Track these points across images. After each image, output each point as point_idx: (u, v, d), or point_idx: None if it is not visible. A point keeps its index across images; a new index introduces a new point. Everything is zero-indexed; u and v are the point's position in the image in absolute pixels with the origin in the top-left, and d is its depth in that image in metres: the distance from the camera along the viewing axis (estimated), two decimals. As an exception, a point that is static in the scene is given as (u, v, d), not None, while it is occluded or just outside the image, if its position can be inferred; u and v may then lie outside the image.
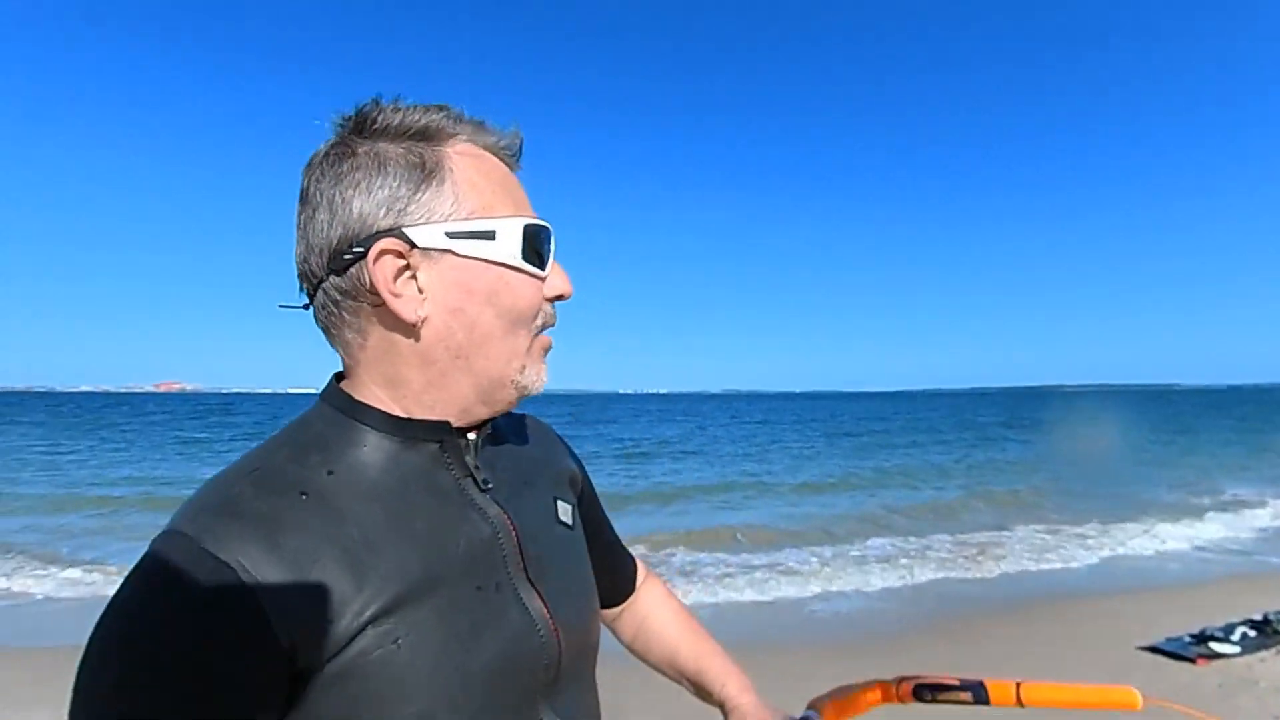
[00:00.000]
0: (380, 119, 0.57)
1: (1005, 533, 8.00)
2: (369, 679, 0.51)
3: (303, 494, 0.53)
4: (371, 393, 0.60)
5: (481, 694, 0.55)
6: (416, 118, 0.58)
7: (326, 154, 0.58)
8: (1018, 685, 0.77)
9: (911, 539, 7.68)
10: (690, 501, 11.10)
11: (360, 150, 0.57)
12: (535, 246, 0.61)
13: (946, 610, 5.31)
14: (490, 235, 0.58)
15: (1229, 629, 4.16)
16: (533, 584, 0.62)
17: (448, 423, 0.60)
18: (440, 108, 0.59)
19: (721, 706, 0.85)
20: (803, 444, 23.47)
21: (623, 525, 0.98)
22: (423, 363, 0.59)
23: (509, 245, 0.58)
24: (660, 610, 0.94)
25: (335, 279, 0.57)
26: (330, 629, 0.49)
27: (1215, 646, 4.00)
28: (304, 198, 0.58)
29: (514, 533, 0.61)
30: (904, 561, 6.59)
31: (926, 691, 0.83)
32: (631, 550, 0.95)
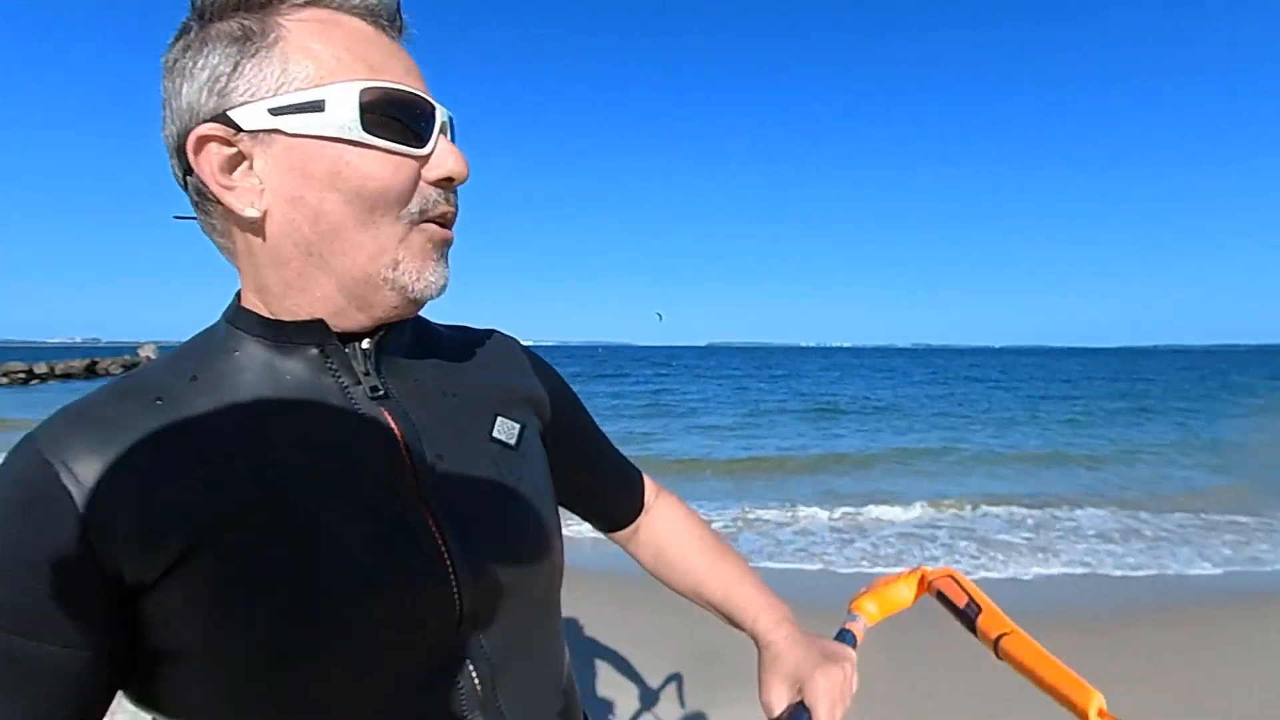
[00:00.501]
0: None
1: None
2: (203, 599, 0.46)
3: (158, 399, 0.49)
4: (248, 298, 0.55)
5: (339, 621, 0.48)
6: None
7: (169, 45, 0.51)
8: (1002, 635, 0.71)
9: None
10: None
11: (190, 32, 0.51)
12: (393, 116, 0.51)
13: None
14: (319, 106, 0.49)
15: None
16: (427, 506, 0.53)
17: (322, 323, 0.53)
18: None
19: (755, 639, 0.78)
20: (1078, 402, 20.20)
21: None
22: (275, 262, 0.52)
23: (341, 114, 0.49)
24: (680, 534, 0.85)
25: (189, 179, 0.52)
26: (160, 541, 0.45)
27: None
28: (161, 98, 0.52)
29: (401, 441, 0.54)
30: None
31: (941, 598, 0.80)
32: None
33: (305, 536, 0.48)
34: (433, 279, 0.55)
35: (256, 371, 0.52)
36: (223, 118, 0.49)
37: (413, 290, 0.54)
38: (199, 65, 0.50)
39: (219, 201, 0.51)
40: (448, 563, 0.52)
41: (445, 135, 0.55)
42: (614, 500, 0.83)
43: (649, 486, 0.88)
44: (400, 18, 0.55)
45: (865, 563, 5.10)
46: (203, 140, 0.49)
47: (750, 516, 6.40)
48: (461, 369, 0.63)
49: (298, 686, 0.47)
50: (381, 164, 0.50)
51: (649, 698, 2.74)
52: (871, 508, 6.60)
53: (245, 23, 0.50)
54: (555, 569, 0.63)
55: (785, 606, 0.79)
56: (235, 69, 0.49)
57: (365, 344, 0.55)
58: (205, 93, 0.49)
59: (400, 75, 0.52)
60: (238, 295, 0.56)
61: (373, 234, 0.51)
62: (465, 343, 0.67)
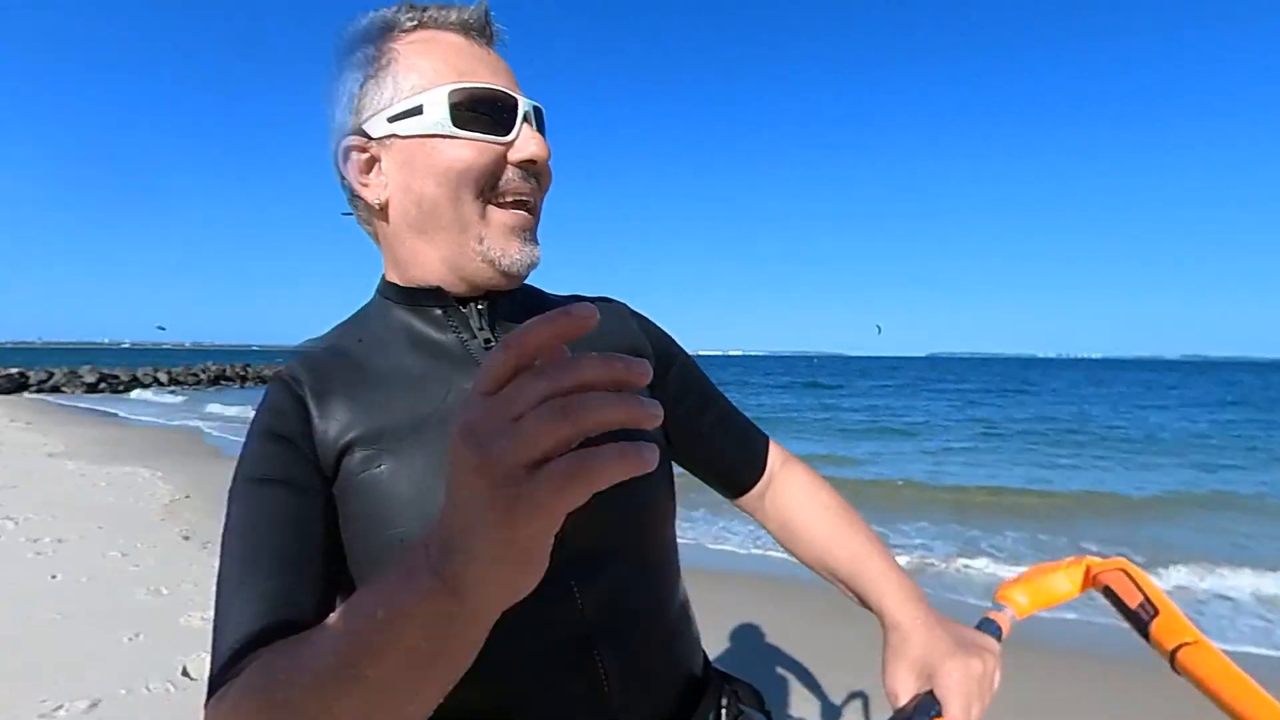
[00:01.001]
0: (348, 33, 0.64)
1: None
2: (359, 494, 0.59)
3: (336, 353, 0.66)
4: (390, 273, 0.69)
5: None
6: (366, 21, 0.63)
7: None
8: (1181, 645, 0.62)
9: None
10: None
11: (334, 65, 0.65)
12: (479, 110, 0.61)
13: None
14: (419, 110, 0.60)
15: None
16: None
17: (439, 289, 0.66)
18: (399, 5, 0.63)
19: (881, 621, 0.73)
20: None
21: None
22: (399, 241, 0.66)
23: (435, 114, 0.60)
24: (807, 501, 0.83)
25: (344, 181, 0.67)
26: (331, 442, 0.60)
27: None
28: None
29: None
30: None
31: (1109, 595, 0.72)
32: None
33: (428, 456, 0.59)
34: (517, 256, 0.64)
35: (399, 330, 0.67)
36: (358, 130, 0.63)
37: (500, 264, 0.63)
38: (339, 91, 0.64)
39: (360, 197, 0.65)
40: None
41: (529, 124, 0.63)
42: (732, 461, 0.84)
43: (774, 451, 0.87)
44: (490, 27, 0.65)
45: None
46: (347, 150, 0.64)
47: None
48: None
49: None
50: (467, 149, 0.60)
51: (831, 713, 2.57)
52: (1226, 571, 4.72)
53: (367, 51, 0.63)
54: (659, 512, 0.69)
55: (917, 587, 0.74)
56: (361, 89, 0.63)
57: (481, 305, 0.67)
58: (345, 112, 0.64)
59: (486, 76, 0.62)
60: (384, 275, 0.70)
61: (459, 211, 0.62)
62: (537, 294, 0.76)
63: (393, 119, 0.61)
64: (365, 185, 0.64)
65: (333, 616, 0.43)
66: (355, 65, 0.63)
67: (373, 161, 0.64)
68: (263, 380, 35.21)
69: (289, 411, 0.61)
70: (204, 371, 33.41)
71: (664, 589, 0.70)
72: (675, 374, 0.79)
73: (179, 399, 22.26)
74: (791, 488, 0.84)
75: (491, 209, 0.63)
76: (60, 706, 2.57)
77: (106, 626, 3.33)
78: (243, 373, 35.04)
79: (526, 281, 0.69)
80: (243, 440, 0.63)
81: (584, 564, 0.61)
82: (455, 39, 0.63)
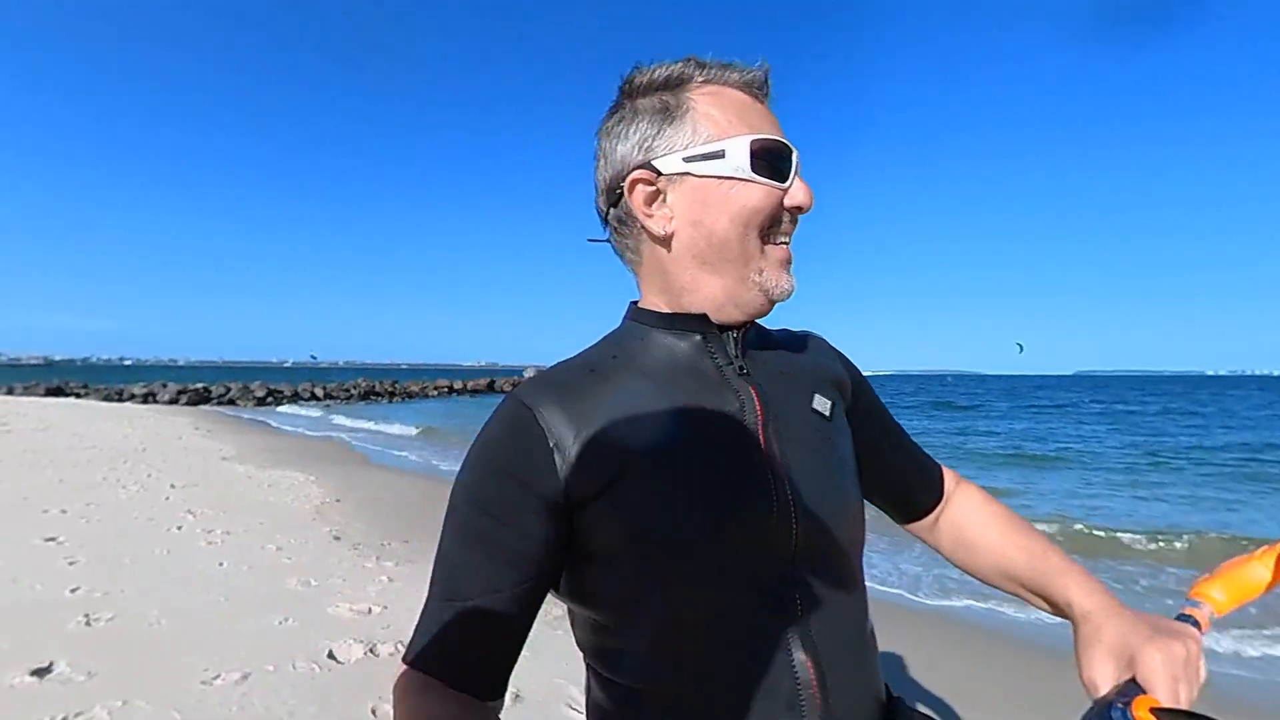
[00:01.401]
0: (636, 79, 0.72)
1: None
2: (625, 511, 0.64)
3: (592, 370, 0.71)
4: (649, 300, 0.75)
5: (716, 533, 0.64)
6: (662, 72, 0.71)
7: (605, 117, 0.75)
8: None
9: None
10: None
11: (623, 107, 0.73)
12: (768, 160, 0.68)
13: None
14: (720, 154, 0.68)
15: None
16: (769, 459, 0.67)
17: (706, 316, 0.72)
18: (687, 60, 0.71)
19: (1069, 614, 0.70)
20: None
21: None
22: (678, 269, 0.71)
23: (737, 159, 0.67)
24: (979, 512, 0.86)
25: (613, 211, 0.74)
26: (597, 469, 0.64)
27: None
28: (595, 154, 0.75)
29: (759, 408, 0.70)
30: None
31: None
32: None
33: (692, 472, 0.65)
34: (786, 285, 0.72)
35: (659, 350, 0.72)
36: (648, 166, 0.70)
37: (772, 293, 0.71)
38: (631, 130, 0.71)
39: (642, 226, 0.71)
40: (790, 503, 0.66)
41: (798, 173, 0.70)
42: (911, 486, 0.87)
43: (949, 477, 0.91)
44: (768, 85, 0.73)
45: None
46: (634, 182, 0.70)
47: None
48: (788, 356, 0.79)
49: (669, 581, 0.63)
50: (757, 193, 0.68)
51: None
52: None
53: (665, 99, 0.70)
54: (858, 525, 0.74)
55: (1101, 582, 0.72)
56: (659, 131, 0.70)
57: (736, 334, 0.73)
58: (636, 149, 0.71)
59: (771, 130, 0.70)
60: (633, 303, 0.77)
61: (745, 247, 0.69)
62: (790, 338, 0.84)
63: (690, 159, 0.68)
64: (650, 216, 0.70)
65: None
66: (649, 110, 0.70)
67: (656, 194, 0.70)
68: (409, 395, 38.24)
69: (524, 447, 0.65)
70: (354, 388, 36.81)
71: (861, 610, 0.74)
72: (865, 400, 0.85)
73: (315, 413, 24.56)
74: (964, 504, 0.88)
75: (768, 245, 0.70)
76: (218, 676, 2.84)
77: (261, 611, 3.66)
78: (390, 389, 38.27)
79: None
80: (451, 453, 0.74)
81: (804, 579, 0.67)
82: (740, 96, 0.70)
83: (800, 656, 0.64)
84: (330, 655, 3.12)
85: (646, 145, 0.70)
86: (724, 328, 0.72)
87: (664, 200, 0.70)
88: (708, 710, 0.64)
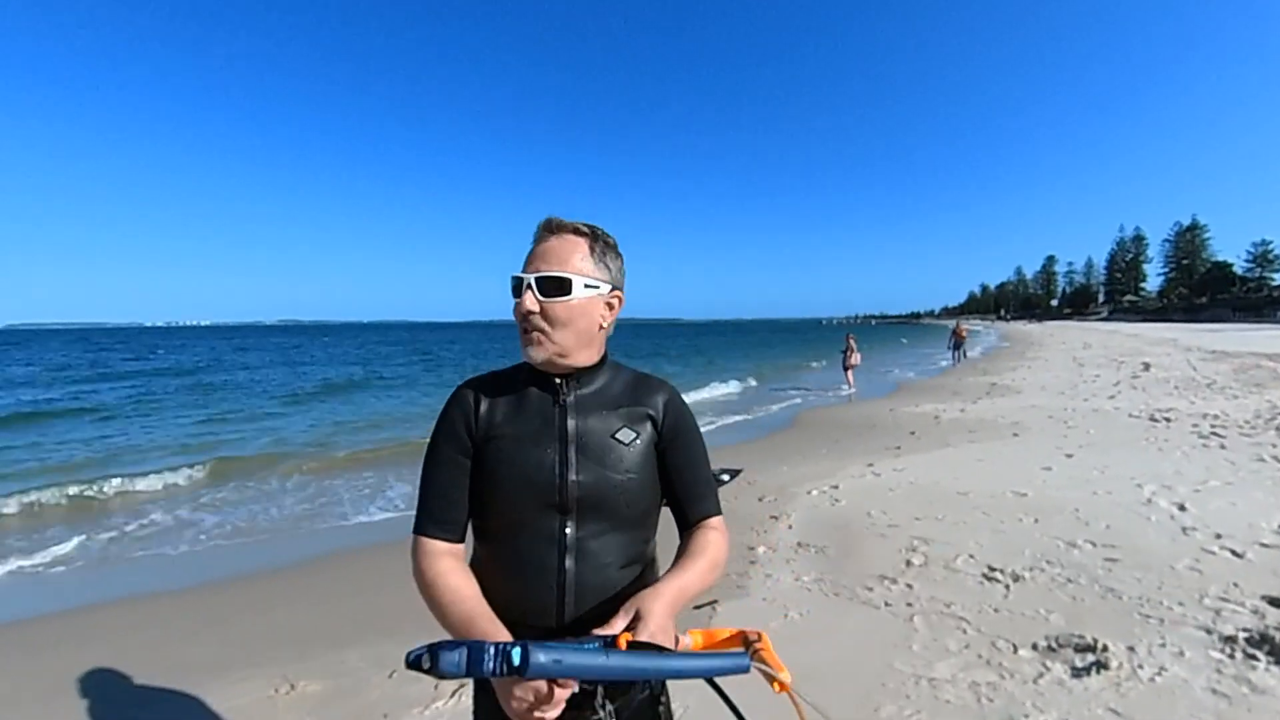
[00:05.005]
0: (612, 238, 1.26)
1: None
2: (487, 460, 1.17)
3: (491, 382, 1.25)
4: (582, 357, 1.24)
5: (526, 488, 1.13)
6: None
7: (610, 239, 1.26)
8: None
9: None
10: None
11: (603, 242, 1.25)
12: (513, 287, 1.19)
13: None
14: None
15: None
16: (567, 452, 1.16)
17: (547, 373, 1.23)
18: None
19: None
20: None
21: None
22: (597, 348, 1.26)
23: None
24: (684, 546, 1.22)
25: (590, 307, 1.20)
26: (480, 426, 1.19)
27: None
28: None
29: (570, 424, 1.18)
30: None
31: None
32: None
33: (525, 447, 1.16)
34: (527, 354, 1.18)
35: (522, 383, 1.24)
36: (618, 285, 1.23)
37: (527, 358, 1.20)
38: (613, 265, 1.22)
39: (601, 325, 1.21)
40: (561, 474, 1.14)
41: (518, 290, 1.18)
42: (678, 506, 1.27)
43: (711, 521, 1.26)
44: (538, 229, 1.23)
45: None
46: (615, 299, 1.23)
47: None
48: (611, 394, 1.23)
49: (487, 509, 1.16)
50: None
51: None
52: None
53: (615, 248, 1.25)
54: (634, 510, 1.18)
55: (668, 598, 1.06)
56: (620, 269, 1.25)
57: (559, 379, 1.22)
58: (618, 276, 1.23)
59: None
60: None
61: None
62: (632, 380, 1.28)
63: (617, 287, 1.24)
64: (604, 317, 1.21)
65: (461, 610, 1.06)
66: (617, 253, 1.24)
67: (611, 304, 1.23)
68: None
69: (463, 406, 1.22)
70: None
71: (624, 555, 1.19)
72: (669, 437, 1.26)
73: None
74: (691, 539, 1.28)
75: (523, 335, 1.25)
76: None
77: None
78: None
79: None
80: None
81: (574, 514, 1.15)
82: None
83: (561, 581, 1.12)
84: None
85: (617, 278, 1.26)
86: (563, 376, 1.23)
87: (613, 309, 1.26)
88: (508, 573, 1.14)
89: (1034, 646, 2.95)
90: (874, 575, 3.89)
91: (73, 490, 6.99)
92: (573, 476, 1.13)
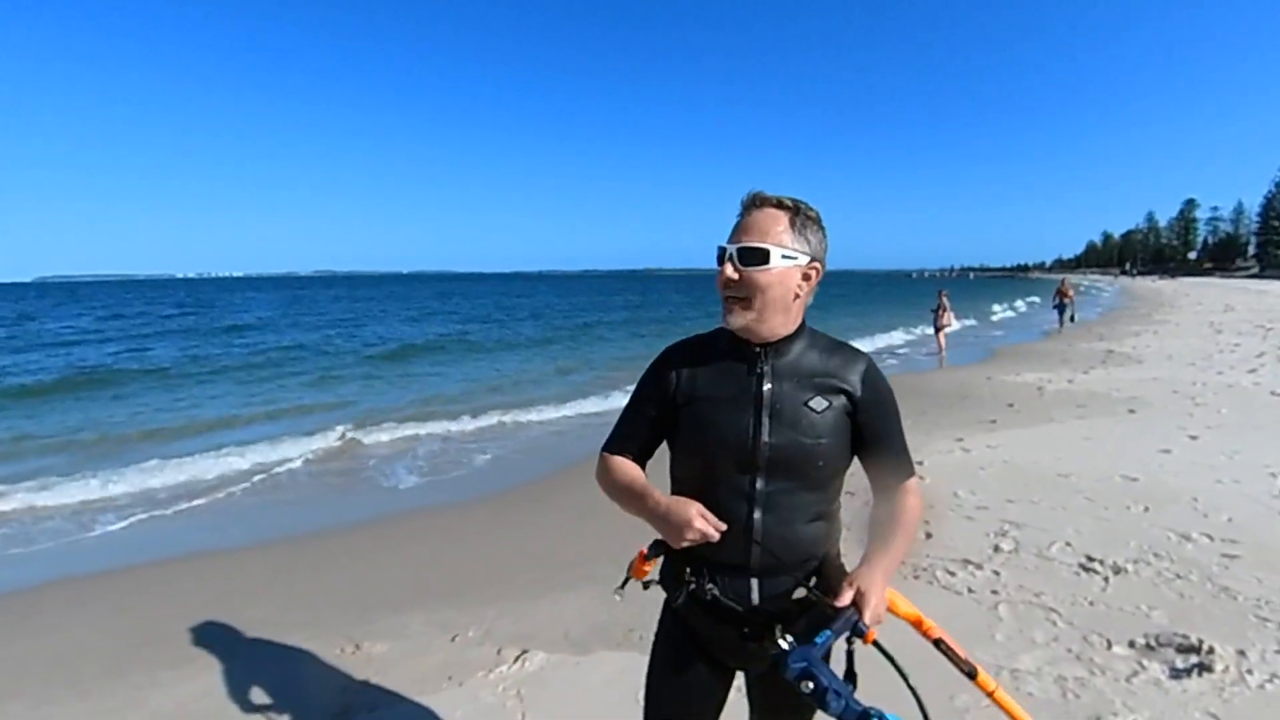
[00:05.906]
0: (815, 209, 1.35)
1: None
2: (688, 421, 1.31)
3: (696, 346, 1.38)
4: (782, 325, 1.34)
5: (720, 447, 1.26)
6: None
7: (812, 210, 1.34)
8: None
9: None
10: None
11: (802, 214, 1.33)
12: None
13: None
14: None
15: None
16: (760, 416, 1.26)
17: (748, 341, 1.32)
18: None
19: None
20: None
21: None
22: (793, 309, 1.33)
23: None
24: (879, 510, 1.36)
25: (787, 273, 1.27)
26: (681, 391, 1.33)
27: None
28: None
29: (766, 390, 1.27)
30: None
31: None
32: None
33: (722, 408, 1.28)
34: (728, 321, 1.29)
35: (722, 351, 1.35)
36: (818, 258, 1.31)
37: (727, 325, 1.31)
38: (814, 236, 1.29)
39: (797, 293, 1.29)
40: (753, 437, 1.25)
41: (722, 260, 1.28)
42: (879, 474, 1.36)
43: (907, 483, 1.36)
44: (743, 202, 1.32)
45: None
46: (816, 268, 1.31)
47: None
48: (807, 363, 1.31)
49: (686, 463, 1.33)
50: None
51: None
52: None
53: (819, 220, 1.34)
54: (823, 473, 1.28)
55: (883, 572, 1.20)
56: (823, 241, 1.32)
57: (758, 349, 1.31)
58: (819, 246, 1.30)
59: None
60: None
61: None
62: (830, 349, 1.35)
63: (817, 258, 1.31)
64: (801, 287, 1.28)
65: (637, 491, 1.33)
66: (818, 225, 1.30)
67: (809, 275, 1.29)
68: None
69: (662, 369, 1.38)
70: None
71: (811, 512, 1.30)
72: (864, 409, 1.33)
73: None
74: (887, 503, 1.40)
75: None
76: None
77: None
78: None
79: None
80: None
81: (764, 471, 1.27)
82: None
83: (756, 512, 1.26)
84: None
85: (819, 249, 1.33)
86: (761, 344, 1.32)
87: (811, 280, 1.33)
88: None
89: (1130, 644, 2.82)
90: (957, 559, 3.76)
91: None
92: (765, 439, 1.24)
